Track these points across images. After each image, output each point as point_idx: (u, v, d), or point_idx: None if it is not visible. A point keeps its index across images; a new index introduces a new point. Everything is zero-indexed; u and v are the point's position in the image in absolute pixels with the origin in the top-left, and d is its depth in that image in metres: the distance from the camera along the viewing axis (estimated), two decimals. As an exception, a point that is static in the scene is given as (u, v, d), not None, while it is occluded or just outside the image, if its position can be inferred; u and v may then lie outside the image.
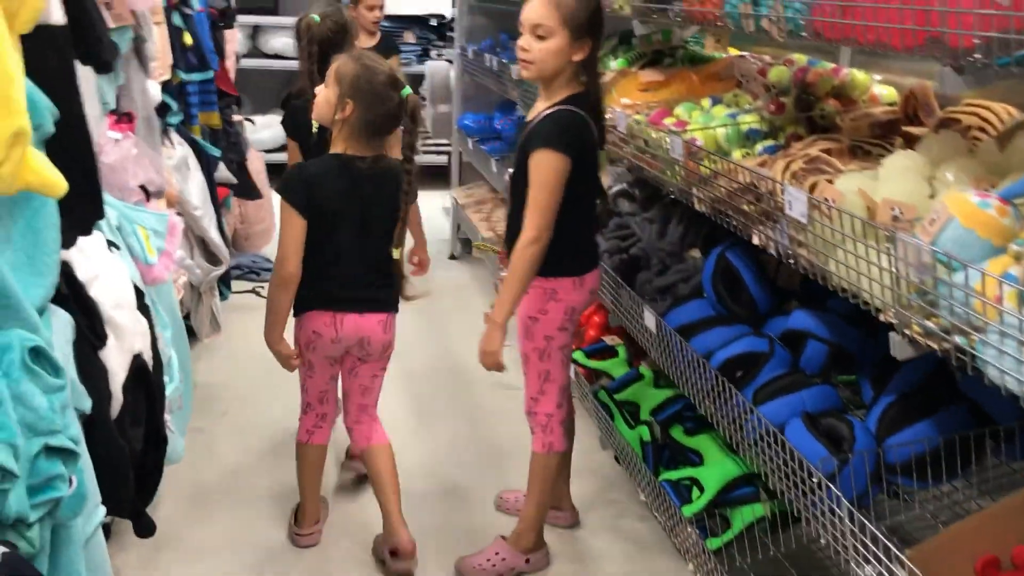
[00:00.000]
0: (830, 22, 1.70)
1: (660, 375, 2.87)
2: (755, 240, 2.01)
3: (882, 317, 1.58)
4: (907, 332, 1.51)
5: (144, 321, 2.11)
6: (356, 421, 2.69)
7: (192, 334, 3.45)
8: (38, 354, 1.49)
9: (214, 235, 3.25)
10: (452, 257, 5.60)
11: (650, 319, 2.50)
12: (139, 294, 2.15)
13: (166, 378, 2.37)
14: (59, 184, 1.37)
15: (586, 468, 3.11)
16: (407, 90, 2.44)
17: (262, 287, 4.89)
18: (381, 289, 2.55)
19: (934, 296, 1.42)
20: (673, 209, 2.81)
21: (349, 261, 2.49)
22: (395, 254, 2.49)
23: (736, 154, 2.37)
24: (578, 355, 3.19)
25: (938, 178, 1.73)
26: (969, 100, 2.11)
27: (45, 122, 1.50)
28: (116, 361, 1.93)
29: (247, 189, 4.21)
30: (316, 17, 3.03)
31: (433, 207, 6.23)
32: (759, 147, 2.38)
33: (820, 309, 2.19)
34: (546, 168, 2.27)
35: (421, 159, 7.31)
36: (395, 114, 2.44)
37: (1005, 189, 1.42)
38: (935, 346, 1.44)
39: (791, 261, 1.87)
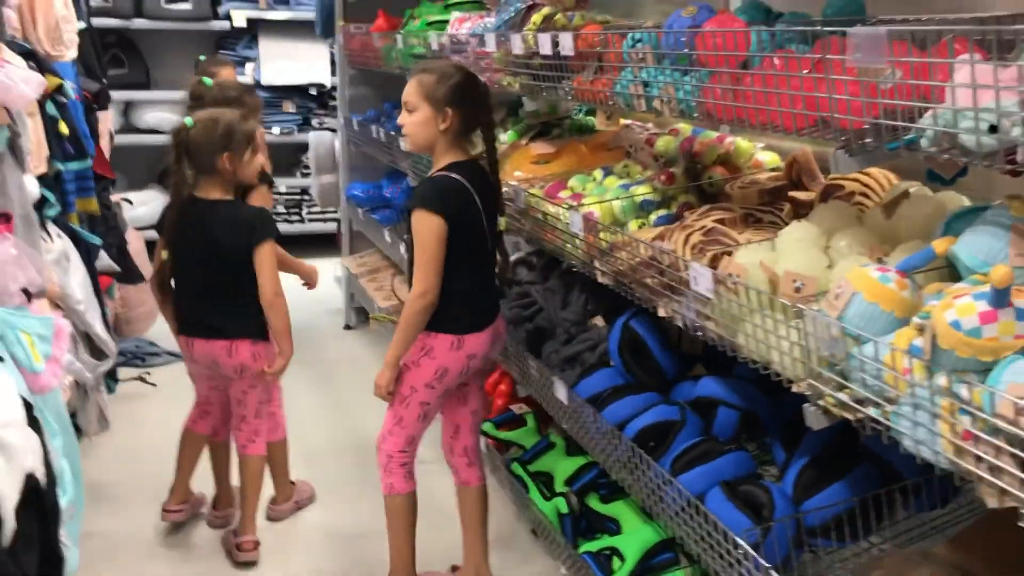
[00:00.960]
0: (722, 104, 1.76)
1: (571, 442, 2.87)
2: (661, 312, 2.05)
3: (795, 388, 1.63)
4: (821, 403, 1.55)
5: (35, 437, 1.98)
6: (236, 428, 3.08)
7: (79, 430, 3.28)
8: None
9: (99, 329, 3.10)
10: (347, 327, 5.50)
11: (561, 390, 2.51)
12: (27, 406, 2.02)
13: (59, 491, 2.24)
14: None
15: (502, 542, 3.08)
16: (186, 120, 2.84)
17: (148, 373, 4.69)
18: (226, 318, 2.89)
19: (845, 368, 1.47)
20: (573, 278, 2.84)
21: (193, 290, 2.92)
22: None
23: (632, 225, 2.43)
24: (487, 427, 3.16)
25: (833, 247, 1.80)
26: (849, 166, 2.22)
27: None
28: (6, 484, 1.81)
29: (129, 273, 4.04)
30: (206, 80, 3.13)
31: (324, 276, 6.11)
32: (653, 217, 2.44)
33: (726, 373, 2.24)
34: (421, 227, 2.44)
35: (307, 227, 7.19)
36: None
37: (902, 262, 1.49)
38: (850, 416, 1.48)
39: (699, 333, 1.91)
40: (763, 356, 1.71)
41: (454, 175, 2.46)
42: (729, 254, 1.91)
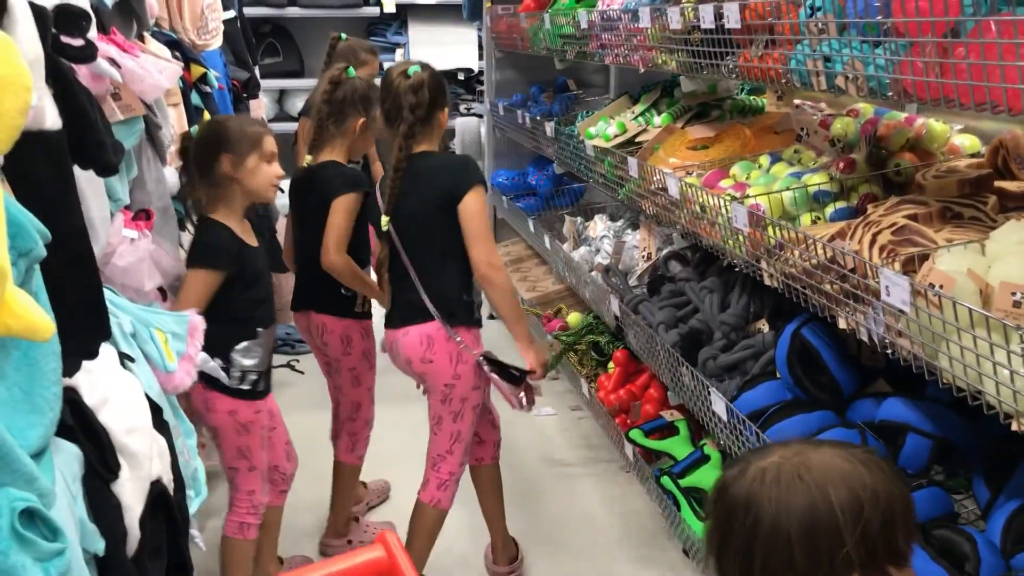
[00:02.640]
0: (925, 81, 1.48)
1: (728, 455, 2.62)
2: (841, 324, 1.77)
3: (1015, 426, 1.34)
4: (1051, 447, 1.26)
5: (162, 440, 1.91)
6: None
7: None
8: (32, 515, 1.30)
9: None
10: (491, 317, 5.38)
11: (719, 404, 2.26)
12: (156, 409, 1.96)
13: (191, 492, 2.18)
14: (46, 327, 1.19)
15: (651, 558, 2.87)
16: None
17: (296, 360, 4.72)
18: None
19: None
20: (734, 276, 2.58)
21: None
22: None
23: (805, 219, 2.15)
24: (635, 434, 2.95)
25: (1062, 253, 1.49)
26: (1073, 151, 1.87)
27: (35, 246, 1.32)
28: (131, 493, 1.73)
29: (278, 262, 4.04)
30: (350, 71, 2.94)
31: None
32: (829, 210, 2.15)
33: (914, 391, 1.94)
34: None
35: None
36: None
37: None
38: (1093, 468, 1.19)
39: (889, 351, 1.63)
40: (972, 384, 1.42)
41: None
42: (926, 257, 1.62)
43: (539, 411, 4.01)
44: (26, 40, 1.38)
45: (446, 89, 2.61)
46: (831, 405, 2.08)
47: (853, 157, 2.22)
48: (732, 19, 2.03)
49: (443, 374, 2.54)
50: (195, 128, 2.53)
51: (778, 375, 2.21)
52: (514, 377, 2.56)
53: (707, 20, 2.16)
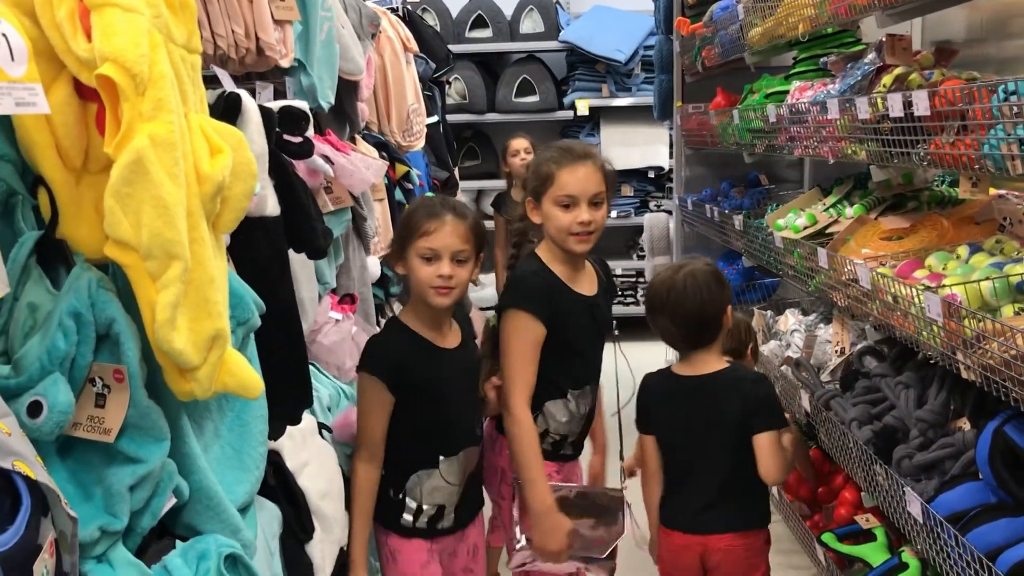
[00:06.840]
0: None
1: (928, 565, 2.45)
2: (1047, 419, 1.66)
3: None
4: None
5: (352, 509, 2.03)
6: None
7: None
8: (235, 562, 1.41)
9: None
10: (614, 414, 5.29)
11: (915, 504, 2.14)
12: (347, 479, 2.08)
13: (377, 564, 2.27)
14: (257, 386, 1.32)
15: (843, 673, 2.68)
16: None
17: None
18: None
19: None
20: (932, 370, 2.46)
21: None
22: None
23: (1007, 311, 2.03)
24: (828, 537, 2.82)
25: None
26: None
27: (251, 316, 1.48)
28: (322, 554, 1.85)
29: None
30: None
31: (654, 360, 5.98)
32: (1036, 301, 2.03)
33: None
34: None
35: (641, 310, 7.13)
36: None
37: None
38: None
39: (1102, 448, 1.51)
40: None
41: None
42: None
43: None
44: (255, 136, 1.58)
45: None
46: (1041, 510, 1.92)
47: (1061, 246, 2.10)
48: (921, 107, 2.00)
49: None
50: None
51: (980, 476, 2.07)
52: None
53: (895, 109, 2.13)
